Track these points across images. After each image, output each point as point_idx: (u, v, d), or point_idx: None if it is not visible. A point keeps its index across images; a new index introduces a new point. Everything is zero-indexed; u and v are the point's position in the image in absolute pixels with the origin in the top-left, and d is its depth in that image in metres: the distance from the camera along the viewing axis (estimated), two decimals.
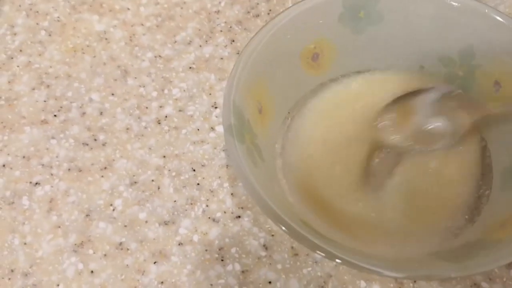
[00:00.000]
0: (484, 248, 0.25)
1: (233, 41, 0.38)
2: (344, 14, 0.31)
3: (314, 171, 0.31)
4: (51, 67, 0.38)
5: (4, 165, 0.34)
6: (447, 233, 0.29)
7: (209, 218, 0.32)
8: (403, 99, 0.31)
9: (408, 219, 0.29)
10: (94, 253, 0.31)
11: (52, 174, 0.34)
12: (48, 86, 0.37)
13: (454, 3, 0.30)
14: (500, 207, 0.28)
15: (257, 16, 0.39)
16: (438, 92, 0.29)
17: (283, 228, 0.24)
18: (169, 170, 0.34)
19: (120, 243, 0.31)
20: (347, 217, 0.29)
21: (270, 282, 0.30)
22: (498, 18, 0.29)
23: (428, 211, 0.29)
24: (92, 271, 0.31)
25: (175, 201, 0.33)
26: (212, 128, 0.35)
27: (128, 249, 0.31)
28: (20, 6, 0.41)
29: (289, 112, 0.33)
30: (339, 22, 0.32)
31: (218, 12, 0.39)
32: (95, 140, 0.35)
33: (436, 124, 0.29)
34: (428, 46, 0.31)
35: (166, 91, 0.36)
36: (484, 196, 0.30)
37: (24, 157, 0.35)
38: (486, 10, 0.29)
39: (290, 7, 0.31)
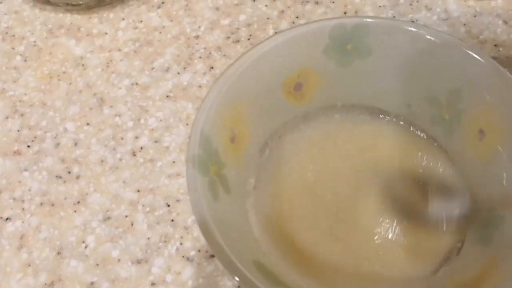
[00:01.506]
0: None
1: (212, 67, 0.37)
2: (329, 46, 0.30)
3: (288, 212, 0.30)
4: (25, 94, 0.37)
5: None
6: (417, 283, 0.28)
7: (183, 256, 0.31)
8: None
9: (383, 267, 0.29)
10: None
11: (23, 209, 0.33)
12: (22, 114, 0.36)
13: (434, 39, 0.29)
14: (466, 264, 0.27)
15: (237, 41, 0.38)
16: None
17: (235, 277, 0.23)
18: (143, 205, 0.33)
19: (92, 283, 0.31)
20: (320, 262, 0.28)
21: None
22: (484, 61, 0.28)
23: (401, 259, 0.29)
24: None
25: (148, 238, 0.32)
26: None
27: None
28: None
29: (267, 143, 0.32)
30: (323, 53, 0.31)
31: (197, 37, 0.38)
32: (69, 172, 0.34)
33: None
34: (416, 85, 0.30)
35: (142, 121, 0.36)
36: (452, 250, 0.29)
37: None
38: (468, 51, 0.28)
39: (273, 35, 0.30)
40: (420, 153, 0.31)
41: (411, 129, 0.32)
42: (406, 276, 0.29)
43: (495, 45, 0.38)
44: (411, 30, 0.29)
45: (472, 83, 0.29)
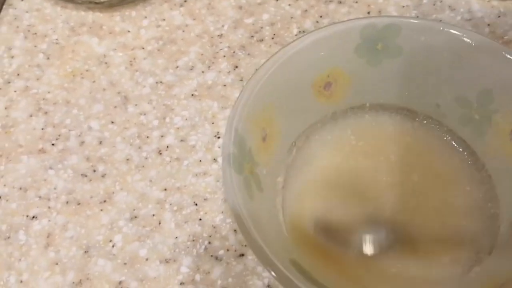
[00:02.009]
0: None
1: (237, 67, 0.37)
2: (361, 45, 0.30)
3: (313, 213, 0.30)
4: (49, 92, 0.37)
5: (0, 197, 0.33)
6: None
7: (212, 256, 0.31)
8: None
9: (413, 266, 0.28)
10: None
11: (49, 207, 0.33)
12: (46, 112, 0.36)
13: (471, 41, 0.28)
14: (499, 265, 0.27)
15: (261, 40, 0.38)
16: None
17: (272, 272, 0.23)
18: (171, 204, 0.33)
19: (120, 282, 0.31)
20: (349, 263, 0.28)
21: None
22: None
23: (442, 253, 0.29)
24: None
25: (176, 237, 0.32)
26: (215, 160, 0.34)
27: None
28: (18, 27, 0.40)
29: (294, 142, 0.32)
30: (355, 53, 0.30)
31: (221, 36, 0.38)
32: (94, 171, 0.34)
33: None
34: (446, 85, 0.30)
35: (167, 120, 0.35)
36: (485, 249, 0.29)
37: (21, 188, 0.34)
38: (506, 54, 0.28)
39: (303, 35, 0.29)
40: (448, 157, 0.31)
41: (441, 132, 0.31)
42: (437, 275, 0.29)
43: None
44: (445, 31, 0.29)
45: (504, 83, 0.29)
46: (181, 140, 0.35)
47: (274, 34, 0.38)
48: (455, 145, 0.30)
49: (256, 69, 0.28)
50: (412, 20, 0.30)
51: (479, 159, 0.30)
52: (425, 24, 0.29)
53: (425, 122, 0.32)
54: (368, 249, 0.30)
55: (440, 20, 0.38)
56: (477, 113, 0.30)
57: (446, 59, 0.30)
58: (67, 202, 0.33)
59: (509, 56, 0.27)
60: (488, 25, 0.38)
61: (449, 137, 0.31)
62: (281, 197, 0.31)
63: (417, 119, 0.32)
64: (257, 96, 0.28)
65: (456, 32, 0.29)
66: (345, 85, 0.32)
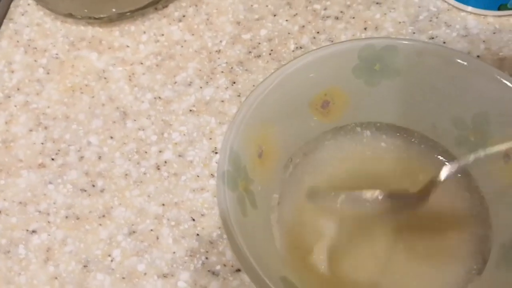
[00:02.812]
0: None
1: (234, 82, 0.37)
2: (358, 66, 0.31)
3: (310, 228, 0.30)
4: (49, 107, 0.37)
5: (0, 211, 0.34)
6: None
7: (209, 271, 0.31)
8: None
9: (405, 285, 0.29)
10: None
11: (49, 222, 0.33)
12: (45, 127, 0.37)
13: (464, 63, 0.29)
14: (489, 286, 0.27)
15: (259, 56, 0.38)
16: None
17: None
18: (168, 219, 0.33)
19: None
20: (341, 279, 0.29)
21: None
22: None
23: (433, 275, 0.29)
24: None
25: (174, 252, 0.32)
26: (212, 175, 0.34)
27: None
28: (18, 41, 0.40)
29: (291, 159, 0.32)
30: (353, 73, 0.31)
31: (219, 51, 0.39)
32: (93, 186, 0.34)
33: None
34: (443, 106, 0.31)
35: (165, 135, 0.36)
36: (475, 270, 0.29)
37: (20, 202, 0.34)
38: (498, 76, 0.28)
39: (302, 55, 0.30)
40: (442, 178, 0.31)
41: (436, 152, 0.32)
42: None
43: None
44: (440, 53, 0.29)
45: (499, 107, 0.29)
46: (179, 156, 0.35)
47: (272, 50, 0.39)
48: (450, 166, 0.30)
49: (254, 87, 0.29)
50: (409, 42, 0.30)
51: (473, 181, 0.31)
52: (422, 46, 0.30)
53: (421, 142, 0.32)
54: (360, 264, 0.30)
55: (436, 37, 0.39)
56: (473, 135, 0.31)
57: (442, 80, 0.30)
58: (66, 217, 0.33)
59: (501, 78, 0.28)
60: (484, 41, 0.39)
61: (444, 158, 0.32)
62: (277, 213, 0.31)
63: (413, 139, 0.32)
64: (254, 113, 0.29)
65: (450, 54, 0.29)
66: (343, 104, 0.32)
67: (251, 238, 0.26)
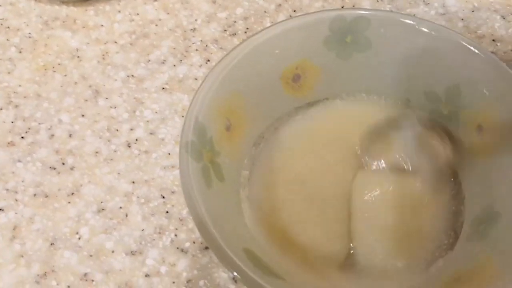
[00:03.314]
0: None
1: (209, 60, 0.37)
2: (330, 38, 0.30)
3: (281, 203, 0.30)
4: (20, 86, 0.37)
5: None
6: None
7: (178, 248, 0.31)
8: (383, 129, 0.30)
9: (374, 258, 0.28)
10: (57, 284, 0.30)
11: (17, 200, 0.33)
12: (16, 106, 0.36)
13: (430, 31, 0.28)
14: (460, 259, 0.27)
15: (234, 34, 0.38)
16: (418, 127, 0.28)
17: (221, 259, 0.23)
18: (138, 197, 0.32)
19: (85, 274, 0.30)
20: (310, 252, 0.28)
21: None
22: (483, 55, 0.27)
23: (401, 251, 0.28)
24: None
25: (143, 230, 0.31)
26: None
27: (93, 281, 0.30)
28: None
29: (263, 135, 0.32)
30: (324, 45, 0.30)
31: (194, 30, 0.38)
32: (63, 164, 0.34)
33: (414, 159, 0.28)
34: (416, 79, 0.30)
35: (137, 113, 0.35)
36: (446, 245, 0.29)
37: None
38: (472, 48, 0.28)
39: (271, 25, 0.29)
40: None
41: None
42: (397, 268, 0.28)
43: (493, 40, 0.37)
44: (409, 23, 0.29)
45: (471, 78, 0.28)
46: (151, 133, 0.34)
47: (247, 28, 0.38)
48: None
49: (221, 58, 0.28)
50: (379, 13, 0.30)
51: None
52: (391, 17, 0.29)
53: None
54: (329, 238, 0.29)
55: (414, 15, 0.38)
56: (446, 108, 0.30)
57: (413, 53, 0.30)
58: (34, 195, 0.33)
59: (470, 47, 0.27)
60: (462, 19, 0.38)
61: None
62: (247, 189, 0.30)
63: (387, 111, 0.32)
64: (221, 84, 0.28)
65: (419, 24, 0.28)
66: (315, 78, 0.32)
67: (215, 209, 0.26)
